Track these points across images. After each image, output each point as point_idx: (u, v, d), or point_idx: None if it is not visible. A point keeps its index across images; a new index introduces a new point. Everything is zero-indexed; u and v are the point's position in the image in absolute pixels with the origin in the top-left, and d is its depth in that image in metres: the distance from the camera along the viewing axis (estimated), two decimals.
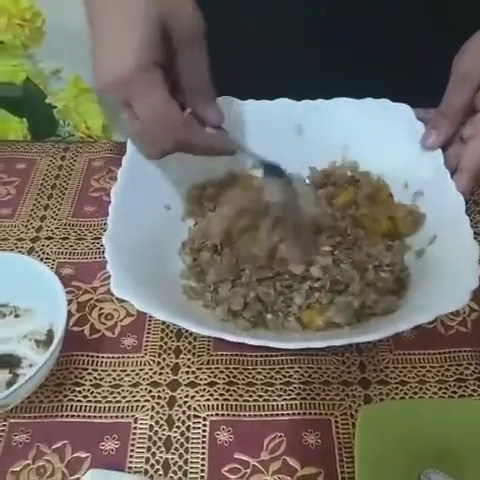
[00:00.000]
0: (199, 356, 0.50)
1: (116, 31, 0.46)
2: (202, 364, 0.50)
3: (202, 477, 0.43)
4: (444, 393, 0.48)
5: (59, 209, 0.64)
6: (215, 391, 0.48)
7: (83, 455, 0.45)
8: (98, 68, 0.47)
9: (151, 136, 0.48)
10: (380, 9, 0.61)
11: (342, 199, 0.57)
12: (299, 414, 0.47)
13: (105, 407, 0.48)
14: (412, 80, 0.61)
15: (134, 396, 0.48)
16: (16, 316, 0.52)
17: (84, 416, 0.47)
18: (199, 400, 0.48)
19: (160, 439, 0.46)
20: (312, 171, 0.61)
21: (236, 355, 0.50)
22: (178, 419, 0.47)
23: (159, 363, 0.50)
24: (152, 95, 0.46)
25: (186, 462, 0.44)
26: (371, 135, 0.58)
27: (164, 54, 0.46)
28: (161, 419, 0.47)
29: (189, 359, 0.50)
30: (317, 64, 0.64)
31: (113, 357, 0.51)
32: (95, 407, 0.48)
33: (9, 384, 0.47)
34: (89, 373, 0.50)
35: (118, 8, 0.46)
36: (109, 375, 0.49)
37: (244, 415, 0.47)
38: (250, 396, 0.48)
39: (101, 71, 0.47)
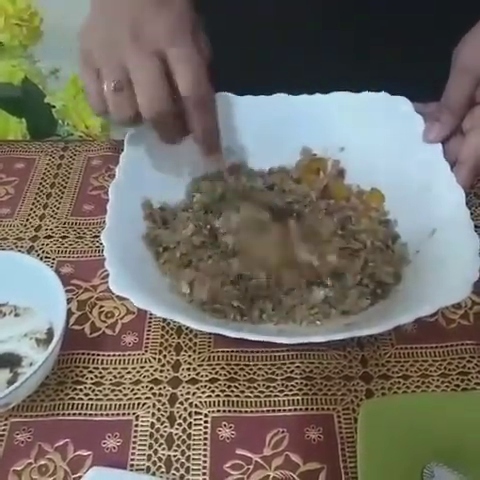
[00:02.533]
0: (200, 353, 0.50)
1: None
2: (203, 361, 0.50)
3: (204, 473, 0.43)
4: (447, 386, 0.48)
5: (58, 208, 0.63)
6: (216, 388, 0.48)
7: (85, 453, 0.45)
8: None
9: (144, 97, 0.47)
10: (381, 1, 0.61)
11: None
12: (301, 410, 0.47)
13: (106, 405, 0.47)
14: (411, 73, 0.61)
15: (135, 394, 0.48)
16: (16, 315, 0.51)
17: (85, 414, 0.47)
18: (200, 397, 0.48)
19: (162, 436, 0.46)
20: (304, 150, 0.62)
21: (237, 351, 0.50)
22: (179, 416, 0.47)
23: (160, 360, 0.50)
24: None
25: (188, 459, 0.44)
26: (369, 129, 0.58)
27: None
28: (162, 416, 0.47)
29: (190, 356, 0.50)
30: (315, 58, 0.64)
31: (114, 355, 0.50)
32: (96, 405, 0.47)
33: (10, 383, 0.47)
34: (90, 371, 0.49)
35: None
36: (110, 373, 0.49)
37: (246, 411, 0.47)
38: (251, 392, 0.48)
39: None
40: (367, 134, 0.58)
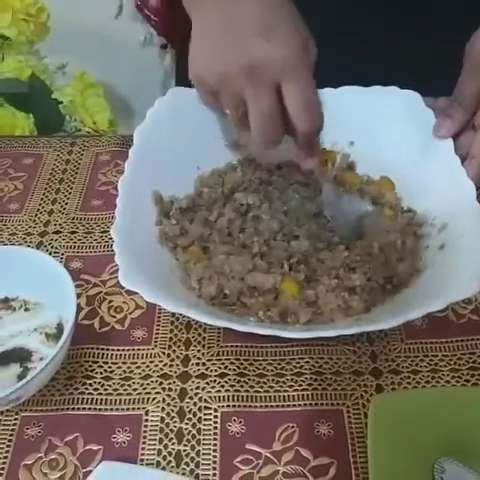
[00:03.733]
0: (209, 348, 0.50)
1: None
2: (212, 356, 0.50)
3: (214, 468, 0.43)
4: (457, 381, 0.48)
5: (67, 203, 0.63)
6: (226, 382, 0.48)
7: (95, 448, 0.45)
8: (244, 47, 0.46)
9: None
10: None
11: None
12: (311, 405, 0.47)
13: (116, 400, 0.47)
14: (409, 75, 0.60)
15: (145, 388, 0.48)
16: (26, 310, 0.52)
17: (95, 409, 0.47)
18: (210, 392, 0.48)
19: (172, 431, 0.46)
20: None
21: (246, 346, 0.50)
22: (189, 411, 0.47)
23: (169, 355, 0.50)
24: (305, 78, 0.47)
25: (198, 454, 0.44)
26: (379, 123, 0.58)
27: None
28: (172, 411, 0.47)
29: (199, 351, 0.50)
30: (323, 53, 0.63)
31: (123, 349, 0.51)
32: (106, 400, 0.47)
33: (20, 378, 0.47)
34: (100, 366, 0.50)
35: None
36: (119, 368, 0.49)
37: (255, 406, 0.47)
38: (261, 387, 0.48)
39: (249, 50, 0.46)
40: (377, 128, 0.58)
